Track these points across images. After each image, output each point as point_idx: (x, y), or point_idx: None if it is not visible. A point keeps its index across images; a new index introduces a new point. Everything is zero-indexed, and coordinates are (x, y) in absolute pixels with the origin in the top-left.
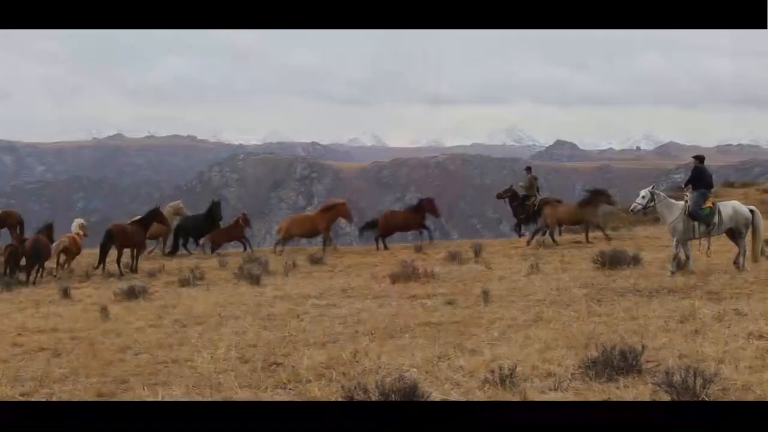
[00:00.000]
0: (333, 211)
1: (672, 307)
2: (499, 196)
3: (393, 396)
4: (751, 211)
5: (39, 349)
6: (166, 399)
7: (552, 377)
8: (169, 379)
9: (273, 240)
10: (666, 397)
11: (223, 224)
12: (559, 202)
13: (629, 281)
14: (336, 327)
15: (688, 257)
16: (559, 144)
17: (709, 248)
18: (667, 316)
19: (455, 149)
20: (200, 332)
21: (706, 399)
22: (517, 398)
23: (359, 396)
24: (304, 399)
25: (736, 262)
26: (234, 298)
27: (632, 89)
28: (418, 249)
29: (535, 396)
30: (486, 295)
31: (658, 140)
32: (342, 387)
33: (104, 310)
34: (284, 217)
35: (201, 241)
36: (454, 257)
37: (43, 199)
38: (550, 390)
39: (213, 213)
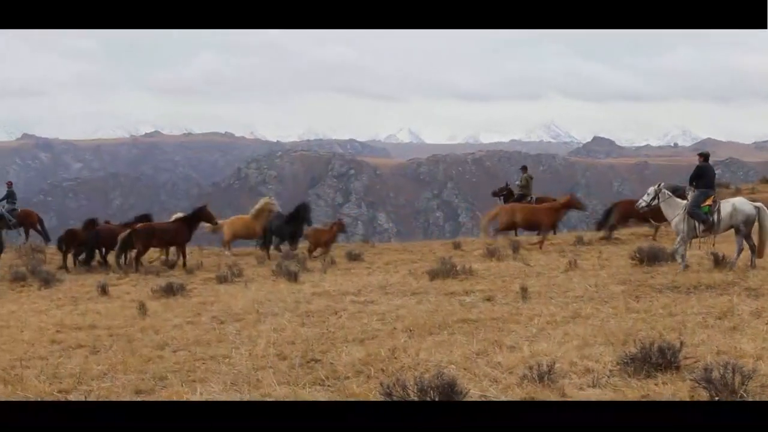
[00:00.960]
0: (567, 206)
1: (710, 304)
2: (495, 194)
3: (431, 392)
4: (758, 208)
5: (77, 345)
6: (204, 396)
7: (590, 373)
8: (207, 375)
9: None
10: (705, 394)
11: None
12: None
13: (667, 278)
14: (374, 323)
15: (682, 257)
16: (597, 140)
17: (714, 245)
18: (705, 313)
19: (493, 145)
20: (238, 329)
21: (745, 396)
22: (555, 395)
23: (398, 393)
24: (343, 396)
25: (752, 264)
26: (272, 295)
27: (669, 86)
28: (457, 245)
29: (573, 392)
30: (524, 291)
31: (695, 136)
32: (380, 383)
33: (142, 307)
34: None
35: (288, 246)
36: (492, 254)
37: (80, 196)
38: (589, 386)
39: (300, 215)
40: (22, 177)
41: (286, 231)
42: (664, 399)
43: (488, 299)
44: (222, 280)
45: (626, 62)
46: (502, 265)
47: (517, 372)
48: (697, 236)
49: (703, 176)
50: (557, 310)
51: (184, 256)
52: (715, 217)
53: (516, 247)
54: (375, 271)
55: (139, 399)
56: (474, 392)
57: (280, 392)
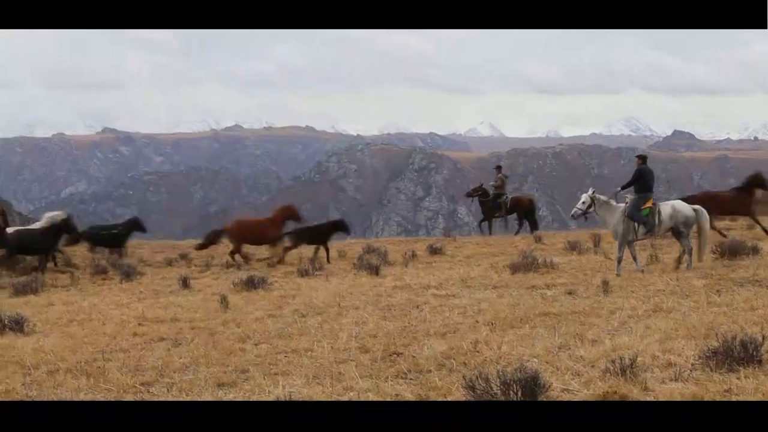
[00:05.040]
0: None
1: None
2: (470, 195)
3: (514, 386)
4: (696, 210)
5: (159, 338)
6: (287, 389)
7: (672, 367)
8: (289, 368)
9: (391, 230)
10: None
11: None
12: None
13: (748, 271)
14: (456, 317)
15: (635, 258)
16: (677, 134)
17: (652, 246)
18: None
19: (573, 139)
20: (320, 322)
21: None
22: (638, 389)
23: (480, 386)
24: (426, 389)
25: (679, 261)
26: (353, 289)
27: (750, 79)
28: (538, 239)
29: (655, 386)
30: (605, 285)
31: None
32: (463, 377)
33: (224, 300)
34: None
35: None
36: (573, 247)
37: (161, 190)
38: (671, 380)
39: None
40: (104, 171)
41: None
42: (746, 393)
43: (570, 293)
44: (303, 273)
45: (706, 56)
46: (583, 258)
47: (599, 366)
48: (636, 239)
49: (642, 179)
50: (638, 303)
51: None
52: (656, 219)
53: (597, 241)
54: (456, 265)
55: (221, 392)
56: (557, 385)
57: (362, 385)
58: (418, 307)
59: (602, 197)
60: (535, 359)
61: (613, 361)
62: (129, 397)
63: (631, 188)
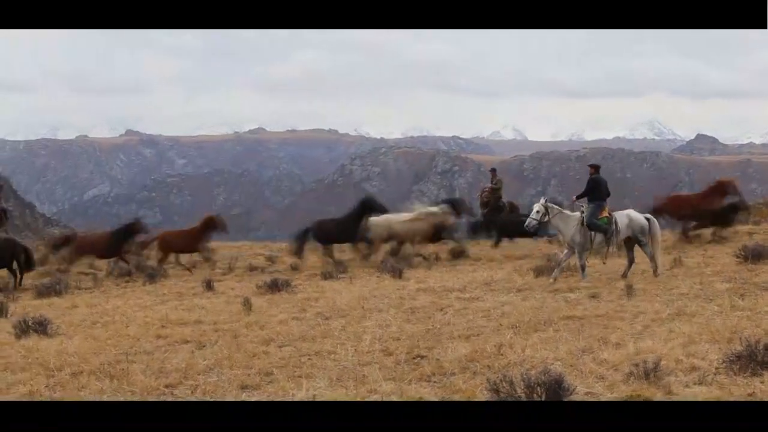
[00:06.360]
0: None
1: None
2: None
3: (538, 389)
4: (648, 219)
5: (183, 341)
6: (311, 391)
7: (696, 371)
8: (312, 371)
9: None
10: None
11: None
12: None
13: None
14: (479, 320)
15: (583, 267)
16: (700, 138)
17: (606, 257)
18: None
19: (596, 143)
20: (343, 325)
21: None
22: (661, 392)
23: (504, 389)
24: (449, 392)
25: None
26: (377, 291)
27: None
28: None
29: (679, 390)
30: (629, 288)
31: None
32: (487, 380)
33: (247, 303)
34: None
35: None
36: (596, 251)
37: (184, 192)
38: (695, 384)
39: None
40: (127, 173)
41: None
42: None
43: (593, 296)
44: (327, 276)
45: (730, 59)
46: (606, 262)
47: (623, 369)
48: (591, 248)
49: (597, 189)
50: (662, 307)
51: None
52: (613, 228)
53: (620, 245)
54: (480, 268)
55: (245, 394)
56: (580, 389)
57: (386, 388)
58: (441, 310)
59: (555, 206)
60: (558, 362)
61: (636, 365)
62: (152, 399)
63: (585, 197)
